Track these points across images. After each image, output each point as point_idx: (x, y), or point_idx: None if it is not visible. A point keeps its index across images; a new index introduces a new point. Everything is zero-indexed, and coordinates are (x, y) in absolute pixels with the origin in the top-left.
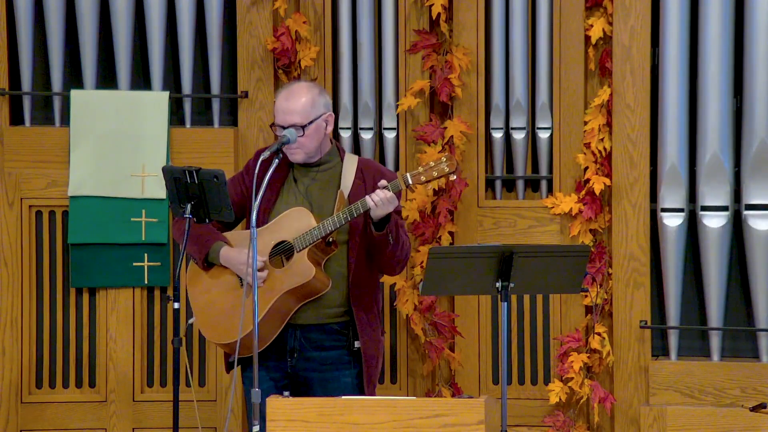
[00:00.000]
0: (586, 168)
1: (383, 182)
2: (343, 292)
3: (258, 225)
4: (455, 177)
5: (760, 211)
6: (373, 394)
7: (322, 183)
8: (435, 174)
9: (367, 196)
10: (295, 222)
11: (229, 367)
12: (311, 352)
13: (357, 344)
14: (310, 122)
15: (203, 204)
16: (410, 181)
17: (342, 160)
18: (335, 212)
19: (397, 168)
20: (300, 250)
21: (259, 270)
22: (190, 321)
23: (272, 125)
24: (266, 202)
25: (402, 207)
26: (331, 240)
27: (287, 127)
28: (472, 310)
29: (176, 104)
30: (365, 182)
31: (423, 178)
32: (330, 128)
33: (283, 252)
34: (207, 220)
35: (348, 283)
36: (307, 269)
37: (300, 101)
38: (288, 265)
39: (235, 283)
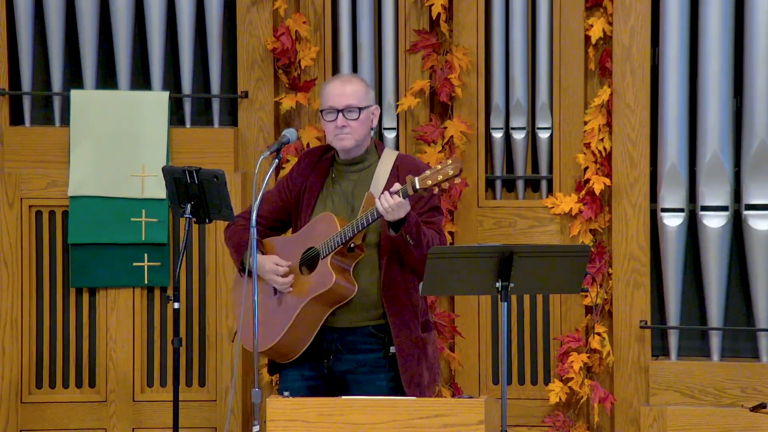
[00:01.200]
0: (586, 168)
1: (396, 186)
2: (376, 295)
3: (295, 228)
4: (460, 180)
5: (760, 211)
6: (419, 394)
7: (359, 183)
8: (440, 177)
9: (377, 201)
10: (321, 227)
11: (271, 369)
12: (347, 355)
13: (392, 349)
14: (365, 107)
15: (203, 204)
16: (417, 186)
17: (380, 158)
18: (360, 214)
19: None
20: (324, 257)
21: (284, 276)
22: (236, 328)
23: (321, 111)
24: (306, 205)
25: (438, 205)
26: (353, 246)
27: (342, 109)
28: (472, 310)
29: (176, 104)
30: (399, 179)
31: (429, 182)
32: (375, 123)
33: (310, 258)
34: (207, 221)
35: (380, 285)
36: (327, 277)
37: (357, 85)
38: (313, 273)
39: (270, 290)
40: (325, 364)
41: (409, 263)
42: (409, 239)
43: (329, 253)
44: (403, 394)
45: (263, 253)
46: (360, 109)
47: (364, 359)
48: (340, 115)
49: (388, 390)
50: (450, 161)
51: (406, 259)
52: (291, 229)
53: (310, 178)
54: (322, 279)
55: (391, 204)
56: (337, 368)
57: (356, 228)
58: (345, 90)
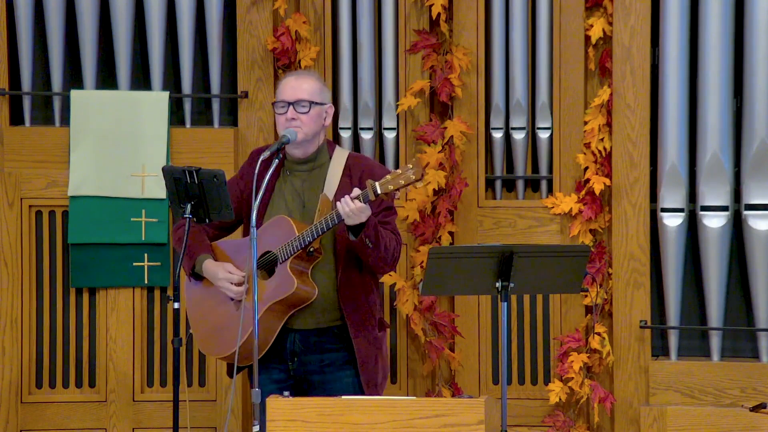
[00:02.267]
0: (586, 168)
1: (356, 191)
2: (334, 297)
3: (249, 226)
4: (421, 185)
5: (760, 211)
6: (376, 394)
7: (312, 183)
8: (402, 182)
9: (338, 205)
10: (278, 231)
11: (231, 371)
12: (311, 355)
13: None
14: (316, 103)
15: (203, 204)
16: (379, 191)
17: (330, 158)
18: (316, 218)
19: (397, 168)
20: (282, 261)
21: (238, 285)
22: (191, 331)
23: (274, 103)
24: (262, 204)
25: (392, 205)
26: (312, 249)
27: (293, 102)
28: (472, 310)
29: (176, 104)
30: (352, 179)
31: (391, 187)
32: (328, 121)
33: (268, 263)
34: (207, 220)
35: (336, 287)
36: (289, 282)
37: (311, 82)
38: (272, 278)
39: (226, 296)
40: (290, 366)
41: (368, 264)
42: (368, 242)
43: (288, 258)
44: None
45: (215, 259)
46: (311, 103)
47: (328, 358)
48: (291, 107)
49: (355, 387)
50: (411, 166)
51: (364, 260)
52: (242, 230)
53: (269, 176)
54: (283, 284)
55: (352, 209)
56: (302, 369)
57: (316, 232)
58: (298, 84)
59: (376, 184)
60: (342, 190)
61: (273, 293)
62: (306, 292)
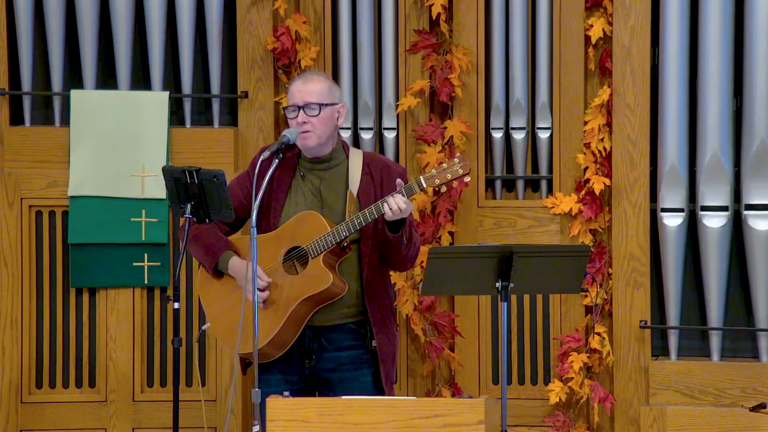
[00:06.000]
0: (586, 168)
1: (399, 181)
2: (356, 292)
3: (265, 225)
4: (469, 179)
5: (760, 211)
6: (391, 392)
7: (330, 181)
8: (449, 176)
9: (384, 204)
10: (307, 227)
11: (246, 368)
12: (330, 353)
13: (374, 343)
14: (326, 104)
15: (203, 204)
16: (424, 185)
17: (347, 156)
18: (347, 213)
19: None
20: (315, 257)
21: (261, 290)
22: (204, 327)
23: (285, 108)
24: (276, 202)
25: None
26: (345, 244)
27: (303, 106)
28: (472, 310)
29: (176, 104)
30: (373, 177)
31: (437, 181)
32: (341, 121)
33: (296, 258)
34: (207, 220)
35: (361, 282)
36: (325, 276)
37: (318, 84)
38: (303, 273)
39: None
40: (307, 364)
41: (395, 261)
42: (404, 239)
43: (321, 253)
44: (383, 391)
45: (240, 257)
46: (321, 105)
47: (347, 356)
48: (301, 111)
49: (373, 386)
50: (457, 160)
51: (392, 258)
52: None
53: (269, 175)
54: (318, 279)
55: (398, 206)
56: (320, 367)
57: (353, 227)
58: (306, 87)
59: (421, 178)
60: (364, 188)
61: (307, 288)
62: (339, 287)
